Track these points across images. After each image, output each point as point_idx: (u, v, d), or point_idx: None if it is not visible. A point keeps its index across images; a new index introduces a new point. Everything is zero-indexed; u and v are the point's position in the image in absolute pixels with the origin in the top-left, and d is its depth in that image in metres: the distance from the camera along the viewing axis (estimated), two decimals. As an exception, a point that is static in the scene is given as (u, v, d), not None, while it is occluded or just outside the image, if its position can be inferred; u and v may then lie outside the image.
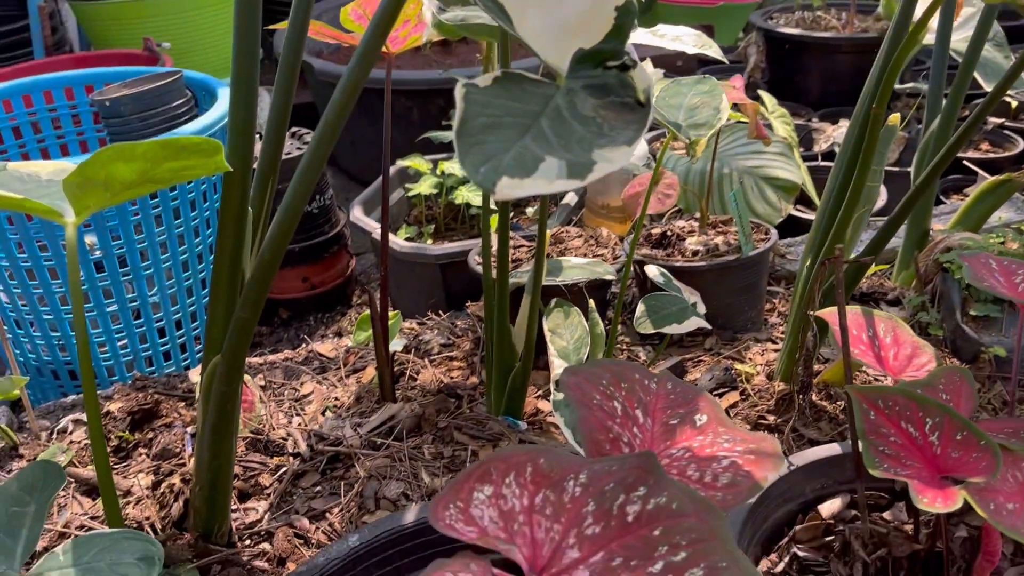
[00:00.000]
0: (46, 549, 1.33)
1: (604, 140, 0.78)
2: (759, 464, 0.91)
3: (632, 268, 1.91)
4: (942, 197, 2.63)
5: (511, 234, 1.98)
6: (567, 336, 1.35)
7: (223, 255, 1.14)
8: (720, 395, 1.59)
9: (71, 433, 1.62)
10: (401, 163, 2.44)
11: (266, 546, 1.34)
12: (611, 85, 0.87)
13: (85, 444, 1.56)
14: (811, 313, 1.16)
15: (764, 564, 1.24)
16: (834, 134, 3.00)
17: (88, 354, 1.04)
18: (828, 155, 2.88)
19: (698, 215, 1.94)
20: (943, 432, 0.97)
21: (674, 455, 0.94)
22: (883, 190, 2.33)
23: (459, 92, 0.75)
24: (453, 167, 2.37)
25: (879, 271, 2.02)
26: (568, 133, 0.79)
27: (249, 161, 1.11)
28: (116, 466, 1.49)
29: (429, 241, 2.36)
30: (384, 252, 1.47)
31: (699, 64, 3.72)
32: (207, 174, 0.98)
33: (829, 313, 1.16)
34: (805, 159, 2.57)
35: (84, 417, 1.64)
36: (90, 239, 1.89)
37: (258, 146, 1.16)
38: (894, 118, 1.37)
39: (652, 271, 1.37)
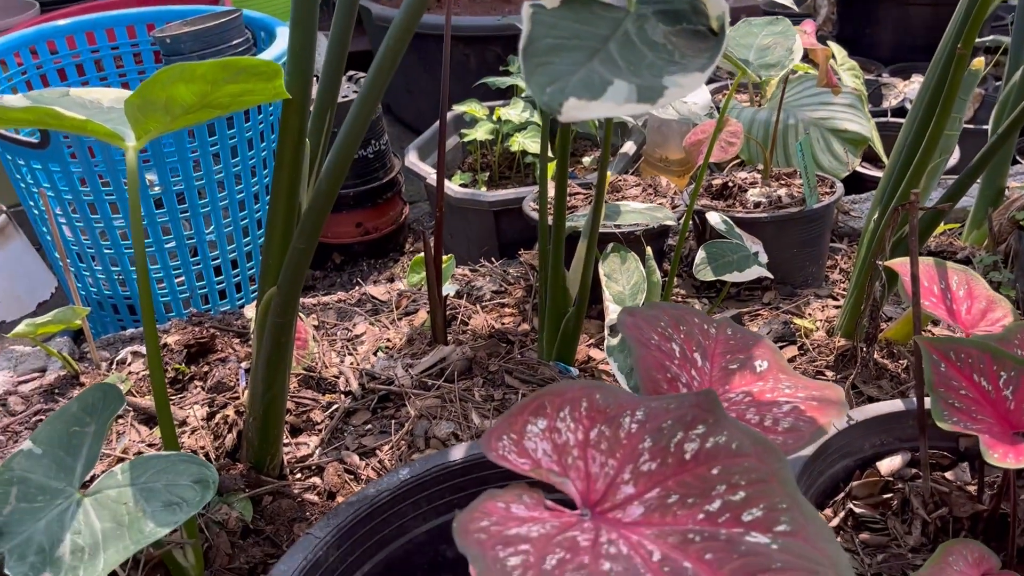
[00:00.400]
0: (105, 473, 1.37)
1: (675, 67, 0.75)
2: (822, 410, 0.88)
3: (692, 220, 1.87)
4: (1018, 157, 2.51)
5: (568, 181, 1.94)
6: (623, 282, 1.32)
7: (280, 187, 1.14)
8: (779, 348, 1.55)
9: (129, 364, 1.65)
10: (457, 108, 2.41)
11: (316, 480, 1.35)
12: (683, 12, 0.83)
13: (143, 375, 1.59)
14: (880, 262, 1.11)
15: (818, 519, 1.21)
16: (905, 90, 2.89)
17: (147, 282, 1.05)
18: (898, 111, 2.77)
19: (761, 167, 1.88)
20: (1018, 387, 0.92)
21: (733, 399, 0.92)
22: (956, 148, 2.24)
23: (526, 11, 0.73)
24: (509, 113, 2.33)
25: (949, 230, 1.94)
26: (638, 58, 0.76)
27: (308, 92, 1.10)
28: (172, 397, 1.52)
29: (483, 188, 2.34)
30: (439, 193, 1.45)
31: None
32: (266, 100, 0.97)
33: (899, 263, 1.12)
34: (874, 115, 2.48)
35: (142, 349, 1.67)
36: (150, 176, 1.91)
37: (315, 89, 1.14)
38: (978, 62, 1.30)
39: (714, 218, 1.33)
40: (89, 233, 1.91)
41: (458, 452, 1.09)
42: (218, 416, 1.41)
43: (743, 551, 0.66)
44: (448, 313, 1.74)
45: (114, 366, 1.64)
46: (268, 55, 1.97)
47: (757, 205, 1.72)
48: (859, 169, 2.21)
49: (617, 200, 1.89)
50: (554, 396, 0.85)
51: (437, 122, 1.98)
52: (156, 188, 1.87)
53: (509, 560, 0.66)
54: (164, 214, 1.89)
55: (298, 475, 1.37)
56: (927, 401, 0.95)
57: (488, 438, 0.81)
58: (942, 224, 1.95)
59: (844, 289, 1.73)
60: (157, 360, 1.09)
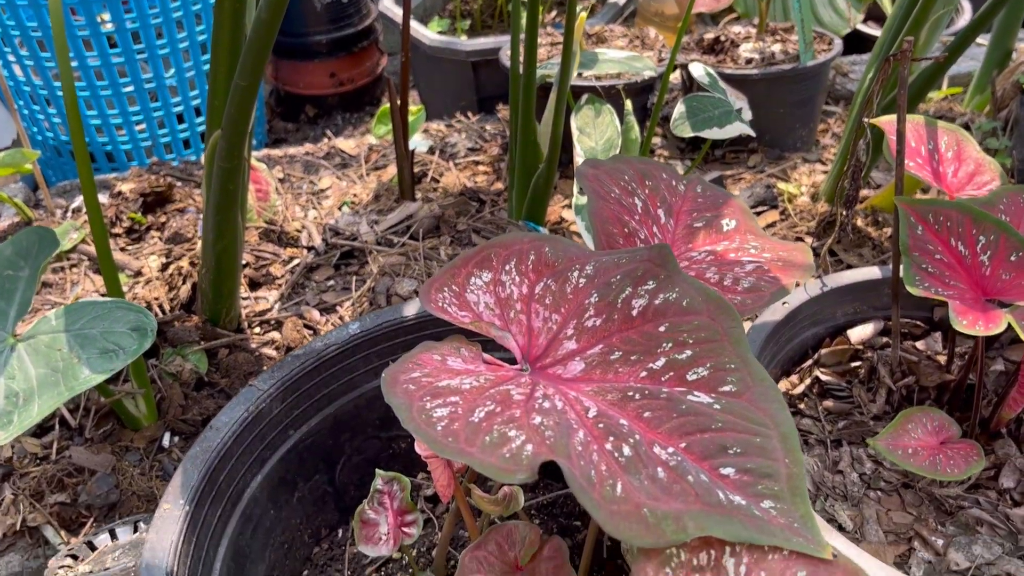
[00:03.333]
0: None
1: None
2: (787, 271, 0.83)
3: (680, 77, 1.77)
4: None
5: (551, 31, 1.83)
6: (596, 136, 1.24)
7: (223, 16, 1.05)
8: (758, 214, 1.49)
9: (85, 212, 1.59)
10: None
11: (275, 335, 1.32)
12: None
13: (99, 224, 1.53)
14: (867, 119, 1.03)
15: (784, 385, 1.19)
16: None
17: (78, 120, 0.97)
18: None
19: (756, 21, 1.76)
20: (996, 252, 0.87)
21: (694, 257, 0.87)
22: (966, 5, 2.10)
23: None
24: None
25: (950, 95, 1.84)
26: None
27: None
28: (128, 247, 1.46)
29: (463, 37, 2.20)
30: (405, 34, 1.34)
31: None
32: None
33: (886, 120, 1.04)
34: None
35: (100, 197, 1.60)
36: (102, 15, 1.78)
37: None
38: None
39: (697, 70, 1.24)
40: (41, 74, 1.80)
41: (412, 308, 1.05)
42: (172, 267, 1.36)
43: (683, 410, 0.62)
44: (419, 170, 1.67)
45: (69, 213, 1.58)
46: None
47: (749, 61, 1.62)
48: (862, 28, 2.09)
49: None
50: (501, 248, 0.79)
51: (413, -37, 1.84)
52: (108, 25, 1.75)
53: (436, 411, 0.62)
54: (120, 54, 1.78)
55: (256, 329, 1.33)
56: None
57: (428, 289, 0.77)
58: (944, 88, 1.85)
59: (835, 154, 1.66)
60: (94, 202, 1.03)
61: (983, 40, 1.98)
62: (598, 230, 0.81)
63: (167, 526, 0.80)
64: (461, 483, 0.81)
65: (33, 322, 0.97)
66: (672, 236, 0.89)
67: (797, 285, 1.14)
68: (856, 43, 2.12)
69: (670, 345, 0.66)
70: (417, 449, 0.77)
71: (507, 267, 0.76)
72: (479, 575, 0.77)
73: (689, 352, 0.66)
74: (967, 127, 1.70)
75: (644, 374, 0.65)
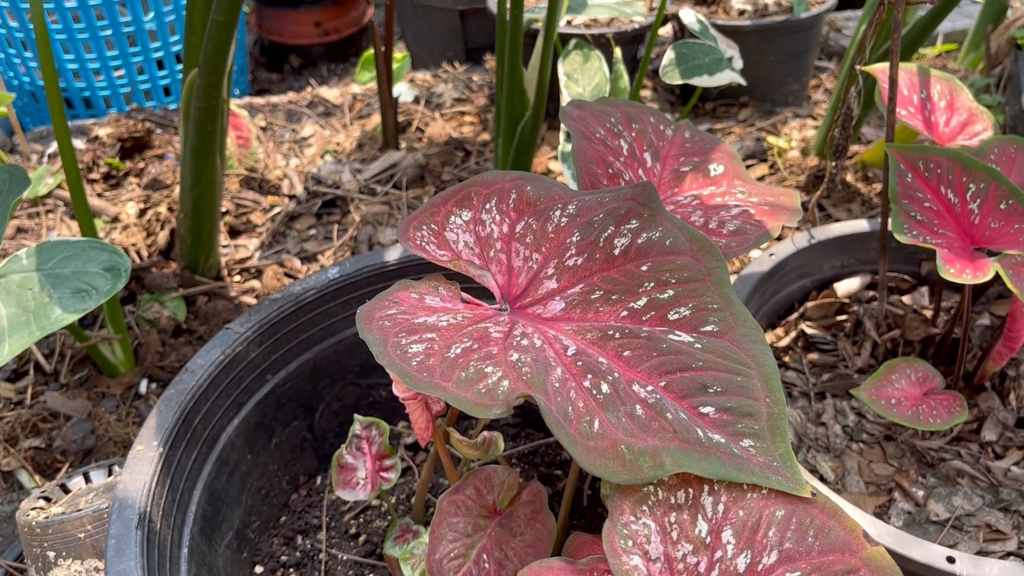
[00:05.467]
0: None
1: None
2: (773, 215, 0.82)
3: (670, 27, 1.74)
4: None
5: (539, -21, 1.78)
6: (584, 82, 1.22)
7: (197, -51, 1.01)
8: (747, 167, 1.48)
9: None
10: None
11: (255, 283, 1.30)
12: None
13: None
14: (858, 67, 1.01)
15: (769, 337, 1.18)
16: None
17: (48, 47, 0.94)
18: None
19: (750, -28, 1.73)
20: (986, 200, 0.86)
21: (680, 201, 0.85)
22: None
23: None
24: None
25: (944, 52, 1.82)
26: None
27: None
28: (105, 193, 1.43)
29: (452, -13, 2.15)
30: (390, -23, 1.31)
31: None
32: None
33: (879, 68, 1.02)
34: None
35: (77, 143, 1.57)
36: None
37: None
38: None
39: (688, 16, 1.21)
40: (16, 15, 1.75)
41: (394, 253, 1.03)
42: (150, 213, 1.33)
43: (663, 349, 0.61)
44: (404, 119, 1.64)
45: (45, 159, 1.55)
46: None
47: (741, 12, 1.59)
48: (858, -17, 2.05)
49: None
50: (481, 187, 0.77)
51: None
52: (86, -35, 1.70)
53: (411, 347, 0.61)
54: (96, -5, 1.73)
55: (236, 277, 1.31)
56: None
57: (406, 226, 0.75)
58: (939, 44, 1.83)
59: (826, 110, 1.64)
60: (67, 142, 1.00)
61: (979, -3, 1.95)
62: (582, 170, 0.79)
63: (141, 467, 0.79)
64: (440, 427, 0.80)
65: (3, 262, 0.95)
66: (658, 179, 0.87)
67: (783, 233, 1.13)
68: (852, -1, 2.09)
69: (652, 285, 0.65)
70: (395, 390, 0.75)
71: (487, 206, 0.74)
72: (457, 518, 0.76)
73: (671, 292, 0.64)
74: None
75: (625, 313, 0.64)
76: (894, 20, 0.92)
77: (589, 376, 0.59)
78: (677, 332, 0.62)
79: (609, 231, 0.68)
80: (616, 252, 0.67)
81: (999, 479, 0.95)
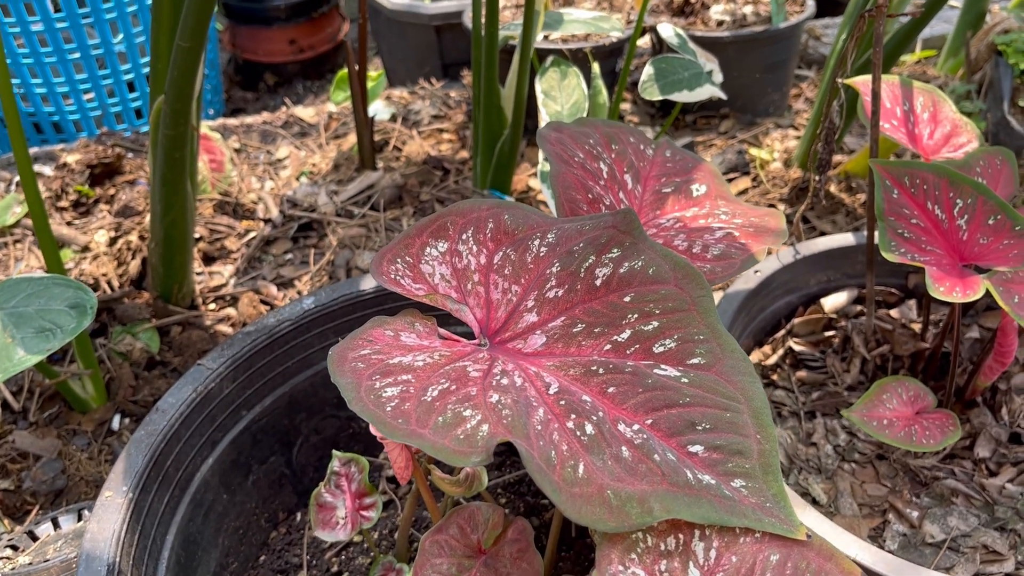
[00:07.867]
0: None
1: None
2: (758, 238, 0.79)
3: (650, 40, 1.72)
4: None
5: (515, -6, 1.77)
6: (562, 100, 1.20)
7: (161, -27, 0.98)
8: (730, 180, 1.46)
9: (32, 186, 1.51)
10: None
11: (231, 311, 1.27)
12: None
13: (45, 197, 1.46)
14: (840, 80, 1.00)
15: (756, 356, 1.16)
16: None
17: (5, 69, 0.91)
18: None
19: (727, -18, 1.71)
20: (974, 215, 0.84)
21: (662, 224, 0.83)
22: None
23: None
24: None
25: (924, 58, 1.81)
26: None
27: None
28: (75, 221, 1.40)
29: (427, 0, 2.13)
30: (362, -6, 1.28)
31: None
32: None
33: (861, 81, 1.01)
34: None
35: (46, 169, 1.53)
36: (47, -23, 1.70)
37: None
38: None
39: (666, 31, 1.20)
40: (-18, 41, 1.71)
41: (370, 281, 1.00)
42: (121, 242, 1.30)
43: (649, 384, 0.59)
44: (381, 138, 1.61)
45: (13, 187, 1.51)
46: None
47: (720, 23, 1.57)
48: (836, -10, 2.05)
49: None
50: (457, 216, 0.75)
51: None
52: (52, -11, 1.67)
53: (386, 391, 0.58)
54: (64, 18, 1.69)
55: (211, 305, 1.28)
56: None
57: (380, 260, 0.72)
58: (917, 51, 1.82)
59: (808, 119, 1.62)
60: (28, 169, 0.97)
61: (956, 2, 1.95)
62: (561, 196, 0.76)
63: (109, 515, 0.75)
64: (421, 464, 0.77)
65: (-37, 301, 0.91)
66: (640, 202, 0.85)
67: (770, 252, 1.11)
68: (829, 5, 2.08)
69: (636, 316, 0.62)
70: (372, 431, 0.73)
71: (464, 236, 0.72)
72: (440, 559, 0.73)
73: (656, 323, 0.62)
74: (941, 89, 1.67)
75: (608, 347, 0.61)
76: (875, 33, 0.90)
77: (573, 416, 0.57)
78: (663, 366, 0.60)
79: (590, 261, 0.66)
80: (598, 283, 0.65)
81: (994, 497, 0.93)
